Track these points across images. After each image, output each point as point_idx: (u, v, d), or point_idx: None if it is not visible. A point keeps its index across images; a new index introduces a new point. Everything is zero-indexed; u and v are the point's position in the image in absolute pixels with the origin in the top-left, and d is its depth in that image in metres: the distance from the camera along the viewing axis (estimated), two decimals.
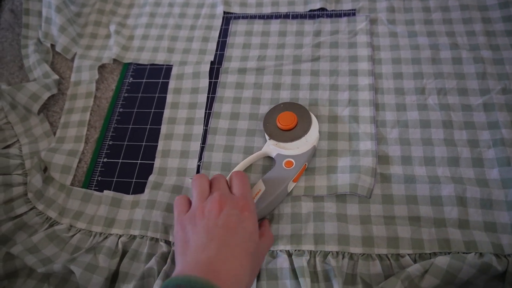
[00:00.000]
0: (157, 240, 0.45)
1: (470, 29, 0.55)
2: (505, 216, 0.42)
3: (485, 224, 0.42)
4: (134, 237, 0.46)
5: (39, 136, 0.55)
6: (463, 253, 0.40)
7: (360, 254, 0.42)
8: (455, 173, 0.45)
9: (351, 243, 0.42)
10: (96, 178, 0.51)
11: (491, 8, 0.57)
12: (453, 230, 0.42)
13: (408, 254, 0.41)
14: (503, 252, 0.40)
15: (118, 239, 0.46)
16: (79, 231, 0.47)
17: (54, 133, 0.55)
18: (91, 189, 0.50)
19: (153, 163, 0.51)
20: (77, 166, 0.53)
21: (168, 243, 0.45)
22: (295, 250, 0.42)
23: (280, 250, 0.43)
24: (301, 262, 0.41)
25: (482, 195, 0.43)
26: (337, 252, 0.42)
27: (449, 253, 0.40)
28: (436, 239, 0.42)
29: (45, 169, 0.51)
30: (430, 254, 0.41)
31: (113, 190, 0.50)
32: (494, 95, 0.49)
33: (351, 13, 0.60)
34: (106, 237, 0.46)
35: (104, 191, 0.50)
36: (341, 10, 0.61)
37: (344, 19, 0.59)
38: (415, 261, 0.40)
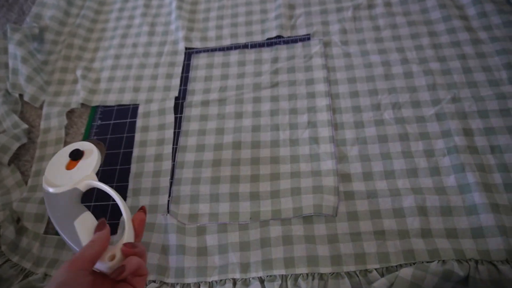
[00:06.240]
0: None
1: (418, 44, 0.58)
2: (464, 221, 0.44)
3: (446, 231, 0.43)
4: None
5: (11, 187, 0.56)
6: (427, 262, 0.41)
7: (329, 273, 0.43)
8: (414, 184, 0.47)
9: (320, 264, 0.43)
10: None
11: (436, 22, 0.60)
12: (416, 240, 0.43)
13: (375, 269, 0.42)
14: (465, 257, 0.41)
15: None
16: None
17: (26, 183, 0.56)
18: None
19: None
20: None
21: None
22: (267, 276, 0.43)
23: (253, 278, 0.44)
24: None
25: (441, 202, 0.45)
26: (307, 274, 0.43)
27: (414, 264, 0.41)
28: (401, 251, 0.43)
29: (18, 220, 0.52)
30: (396, 266, 0.42)
31: None
32: (444, 105, 0.52)
33: (306, 38, 0.63)
34: None
35: None
36: (297, 36, 0.63)
37: (299, 44, 0.62)
38: (382, 275, 0.42)
